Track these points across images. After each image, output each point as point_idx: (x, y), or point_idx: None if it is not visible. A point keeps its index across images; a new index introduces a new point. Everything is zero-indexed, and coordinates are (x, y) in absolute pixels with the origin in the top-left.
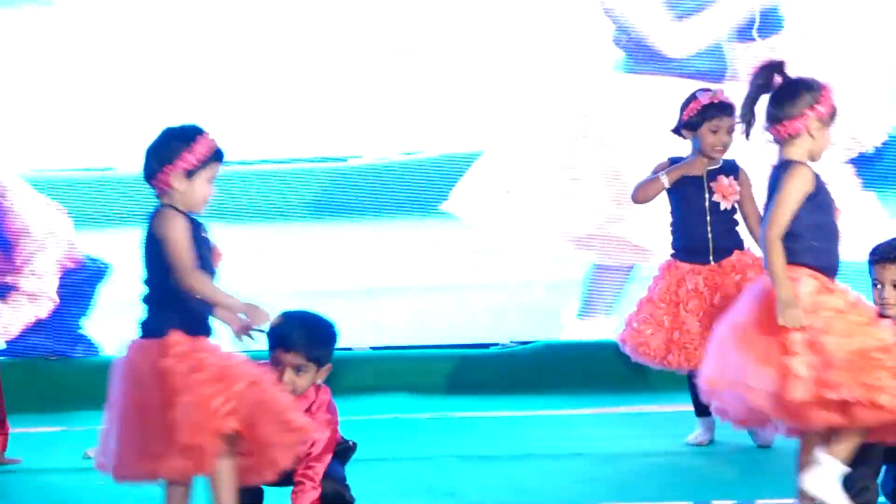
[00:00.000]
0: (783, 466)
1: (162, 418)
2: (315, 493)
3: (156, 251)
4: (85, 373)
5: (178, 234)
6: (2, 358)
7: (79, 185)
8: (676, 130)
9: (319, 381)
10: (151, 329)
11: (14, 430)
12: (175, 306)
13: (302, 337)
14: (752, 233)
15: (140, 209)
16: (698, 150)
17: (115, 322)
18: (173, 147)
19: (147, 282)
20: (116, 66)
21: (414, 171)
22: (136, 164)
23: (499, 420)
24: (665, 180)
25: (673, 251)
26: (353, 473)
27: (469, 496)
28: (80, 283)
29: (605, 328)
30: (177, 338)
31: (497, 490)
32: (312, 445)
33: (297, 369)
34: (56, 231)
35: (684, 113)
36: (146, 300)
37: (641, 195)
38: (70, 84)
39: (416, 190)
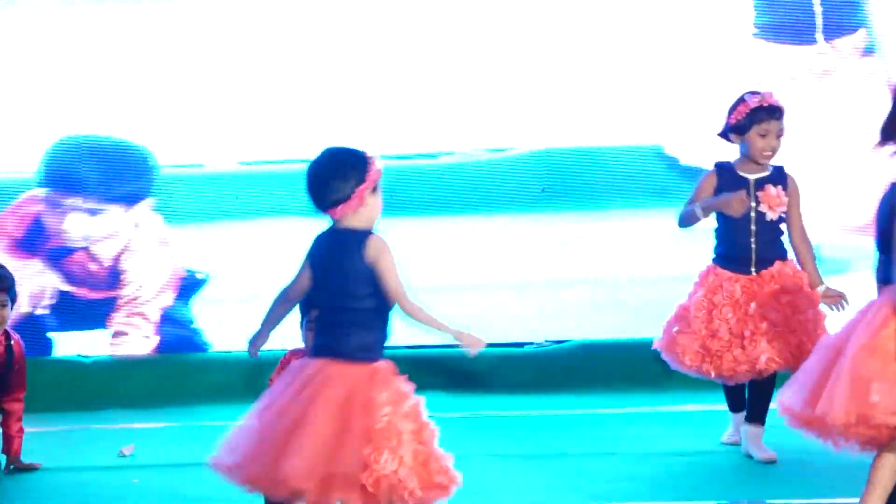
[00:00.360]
0: (816, 466)
1: (354, 439)
2: None
3: (366, 276)
4: (121, 371)
5: (393, 261)
6: (38, 357)
7: (171, 181)
8: (724, 134)
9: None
10: (358, 355)
11: (50, 428)
12: (378, 333)
13: None
14: (793, 243)
15: (229, 206)
16: (745, 155)
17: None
18: (359, 167)
19: (349, 304)
20: (233, 63)
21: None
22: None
23: (534, 419)
24: (699, 213)
25: (714, 257)
26: None
27: (503, 495)
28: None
29: (641, 327)
30: (387, 366)
31: (532, 489)
32: None
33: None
34: (165, 269)
35: (732, 116)
36: (347, 322)
37: (684, 224)
38: (172, 79)
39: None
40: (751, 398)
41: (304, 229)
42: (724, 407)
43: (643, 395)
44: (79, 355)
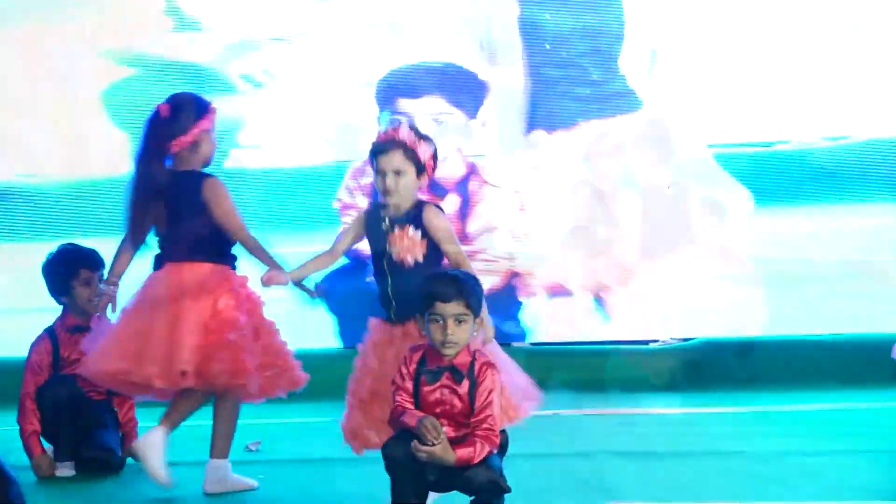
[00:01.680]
0: None
1: None
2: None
3: None
4: None
5: None
6: None
7: None
8: None
9: (475, 333)
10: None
11: None
12: None
13: (456, 287)
14: None
15: None
16: None
17: None
18: None
19: None
20: None
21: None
22: None
23: (659, 417)
24: None
25: None
26: (511, 467)
27: (626, 493)
28: None
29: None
30: None
31: (655, 488)
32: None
33: (458, 319)
34: None
35: None
36: None
37: None
38: None
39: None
40: None
41: None
42: (853, 406)
43: (771, 393)
44: None
